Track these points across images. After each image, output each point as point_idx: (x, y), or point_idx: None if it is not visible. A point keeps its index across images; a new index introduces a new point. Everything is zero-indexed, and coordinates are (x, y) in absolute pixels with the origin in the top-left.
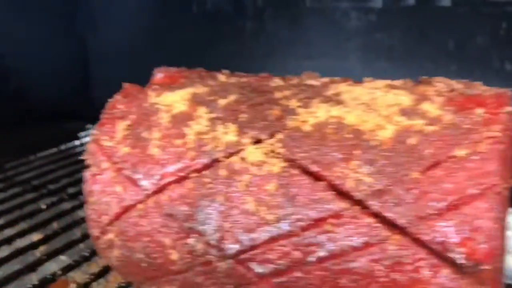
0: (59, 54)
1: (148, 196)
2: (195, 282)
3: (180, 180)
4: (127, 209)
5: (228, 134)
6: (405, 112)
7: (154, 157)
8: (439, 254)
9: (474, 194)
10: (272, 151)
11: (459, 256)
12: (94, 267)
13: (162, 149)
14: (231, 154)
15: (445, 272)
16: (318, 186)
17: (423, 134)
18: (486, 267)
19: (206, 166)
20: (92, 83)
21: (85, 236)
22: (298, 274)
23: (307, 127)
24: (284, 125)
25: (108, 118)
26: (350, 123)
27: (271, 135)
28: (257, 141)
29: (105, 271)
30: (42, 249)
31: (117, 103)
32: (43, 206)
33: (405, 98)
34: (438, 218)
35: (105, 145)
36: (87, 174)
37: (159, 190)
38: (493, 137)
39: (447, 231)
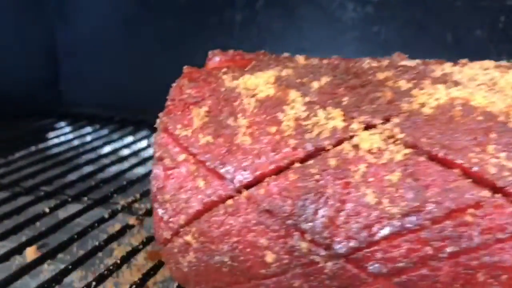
0: (28, 47)
1: (239, 191)
2: (291, 285)
3: (279, 171)
4: (211, 206)
5: (332, 119)
6: None
7: (244, 147)
8: None
9: None
10: (391, 137)
11: None
12: (127, 275)
13: (254, 138)
14: (339, 142)
15: None
16: (451, 174)
17: None
18: None
19: (310, 156)
20: (62, 77)
21: (107, 242)
22: (424, 271)
23: (427, 110)
24: (399, 109)
25: (177, 105)
26: (479, 105)
27: (386, 120)
28: (369, 127)
29: (144, 279)
30: (59, 257)
31: (185, 88)
32: (46, 210)
33: None
34: None
35: (180, 134)
36: (157, 169)
37: (253, 183)
38: None
39: None
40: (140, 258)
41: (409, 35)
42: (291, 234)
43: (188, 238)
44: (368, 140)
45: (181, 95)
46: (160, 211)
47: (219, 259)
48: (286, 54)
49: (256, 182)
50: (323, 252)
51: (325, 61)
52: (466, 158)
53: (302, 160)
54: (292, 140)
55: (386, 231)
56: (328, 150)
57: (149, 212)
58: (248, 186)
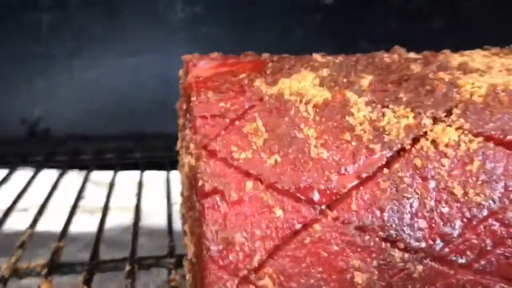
0: None
1: (323, 212)
2: None
3: (366, 181)
4: (292, 237)
5: (402, 117)
6: None
7: (321, 161)
8: None
9: None
10: (460, 128)
11: None
12: None
13: (329, 149)
14: (416, 140)
15: None
16: None
17: None
18: None
19: (395, 159)
20: None
21: None
22: (501, 251)
23: (477, 98)
24: (454, 99)
25: (215, 124)
26: None
27: (448, 112)
28: (436, 120)
29: None
30: None
31: (213, 100)
32: None
33: None
34: None
35: (238, 158)
36: (213, 205)
37: (340, 200)
38: None
39: None
40: None
41: (237, 34)
42: (385, 247)
43: (264, 282)
44: (443, 134)
45: (213, 111)
46: (221, 259)
47: None
48: (265, 55)
49: (342, 198)
50: (415, 257)
51: (340, 58)
52: None
53: (389, 165)
54: (372, 144)
55: (473, 220)
56: (409, 150)
57: (52, 270)
58: (333, 204)
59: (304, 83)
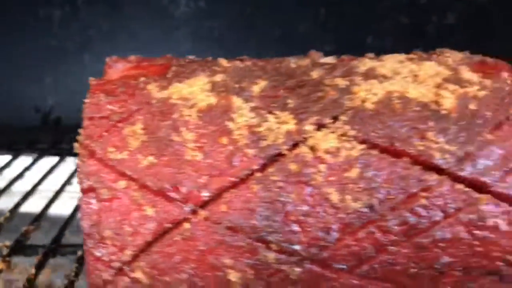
0: None
1: (195, 212)
2: None
3: (238, 184)
4: (163, 234)
5: (284, 123)
6: (452, 81)
7: (196, 163)
8: None
9: None
10: (343, 135)
11: None
12: None
13: (204, 152)
14: (295, 145)
15: None
16: (402, 163)
17: (478, 99)
18: None
19: (270, 163)
20: None
21: None
22: (383, 257)
23: (369, 105)
24: (344, 106)
25: (99, 125)
26: (412, 96)
27: (334, 118)
28: (320, 126)
29: None
30: None
31: (103, 103)
32: None
33: (440, 69)
34: None
35: (114, 159)
36: (89, 202)
37: (211, 201)
38: None
39: None
40: None
41: (240, 31)
42: (257, 247)
43: (137, 274)
44: (324, 140)
45: (101, 112)
46: (96, 251)
47: None
48: (191, 57)
49: (215, 199)
50: (291, 259)
51: (248, 63)
52: (413, 146)
53: (262, 169)
54: (247, 149)
55: (351, 226)
56: (286, 155)
57: (14, 251)
58: (204, 205)
59: (194, 88)
